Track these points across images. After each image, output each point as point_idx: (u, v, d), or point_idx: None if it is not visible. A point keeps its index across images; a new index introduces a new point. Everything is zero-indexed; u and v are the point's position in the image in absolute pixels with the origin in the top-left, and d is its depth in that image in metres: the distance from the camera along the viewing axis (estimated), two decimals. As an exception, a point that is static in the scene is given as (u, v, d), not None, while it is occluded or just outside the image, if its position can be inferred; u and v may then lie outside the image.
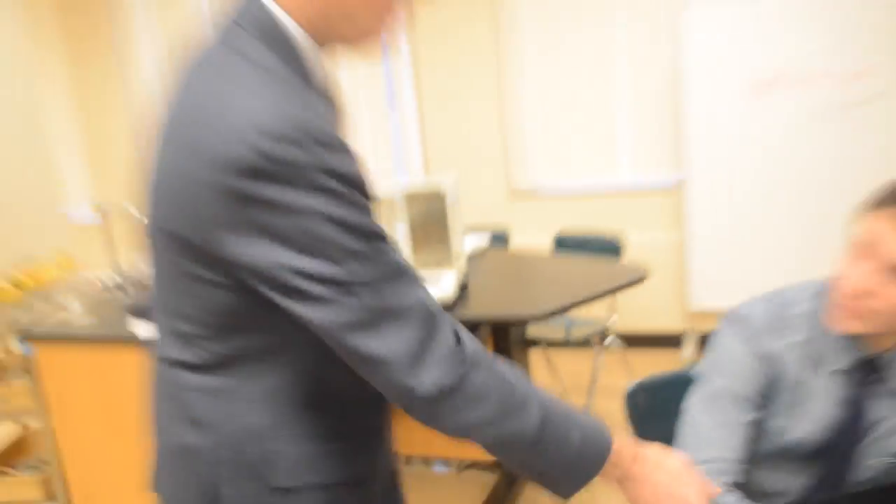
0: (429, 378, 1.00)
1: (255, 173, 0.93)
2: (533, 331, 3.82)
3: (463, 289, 3.04)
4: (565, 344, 3.82)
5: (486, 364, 1.06)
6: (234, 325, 1.09)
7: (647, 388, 1.78)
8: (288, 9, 1.04)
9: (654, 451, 1.19)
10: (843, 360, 1.40)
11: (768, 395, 1.44)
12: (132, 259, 3.12)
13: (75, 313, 2.84)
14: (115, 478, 2.70)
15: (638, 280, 3.09)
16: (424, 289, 1.04)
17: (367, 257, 0.98)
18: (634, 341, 4.70)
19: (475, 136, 4.94)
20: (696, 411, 1.44)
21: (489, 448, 1.11)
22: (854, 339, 1.39)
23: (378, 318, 0.99)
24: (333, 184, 0.95)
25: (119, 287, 3.02)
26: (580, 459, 1.13)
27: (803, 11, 3.97)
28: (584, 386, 4.23)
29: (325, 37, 1.08)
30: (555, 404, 1.12)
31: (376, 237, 1.00)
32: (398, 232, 3.08)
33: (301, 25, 1.05)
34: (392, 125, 5.16)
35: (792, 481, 1.50)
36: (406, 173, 5.20)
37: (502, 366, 1.09)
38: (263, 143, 0.92)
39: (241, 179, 0.93)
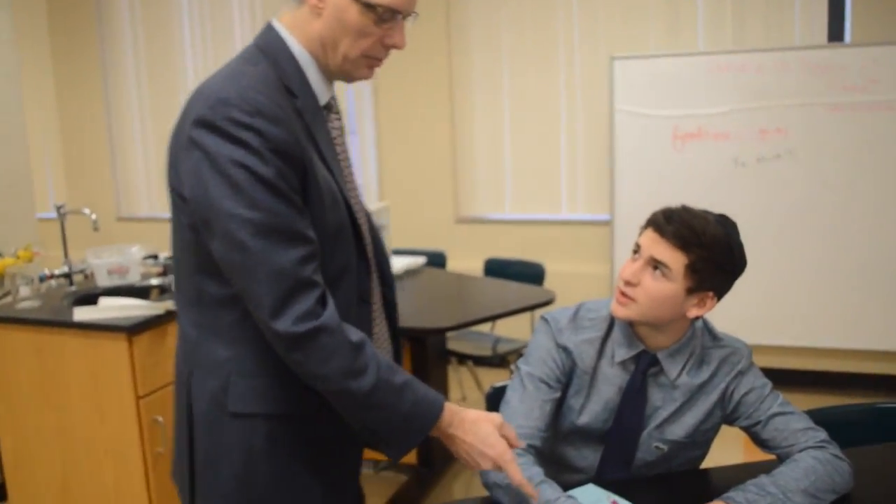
0: (284, 325, 1.16)
1: (205, 125, 1.16)
2: (461, 347, 3.85)
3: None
4: (490, 361, 3.86)
5: (337, 332, 1.20)
6: (202, 265, 1.26)
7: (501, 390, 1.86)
8: (296, 37, 1.29)
9: (471, 417, 1.30)
10: (628, 352, 1.56)
11: (566, 380, 1.59)
12: (83, 254, 3.16)
13: (22, 297, 2.87)
14: (47, 449, 2.70)
15: (547, 302, 3.15)
16: (304, 256, 1.19)
17: (270, 211, 1.16)
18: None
19: (427, 166, 5.00)
20: (509, 391, 1.60)
21: (331, 400, 1.25)
22: (637, 337, 1.56)
23: (255, 268, 1.15)
24: (258, 143, 1.15)
25: (66, 277, 3.05)
26: (407, 423, 1.25)
27: (723, 73, 4.08)
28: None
29: (326, 63, 1.31)
30: (393, 375, 1.24)
31: (283, 197, 1.17)
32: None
33: (305, 49, 1.30)
34: (352, 151, 5.23)
35: (589, 457, 1.62)
36: (362, 196, 5.25)
37: (355, 338, 1.22)
38: (217, 105, 1.16)
39: (196, 129, 1.17)
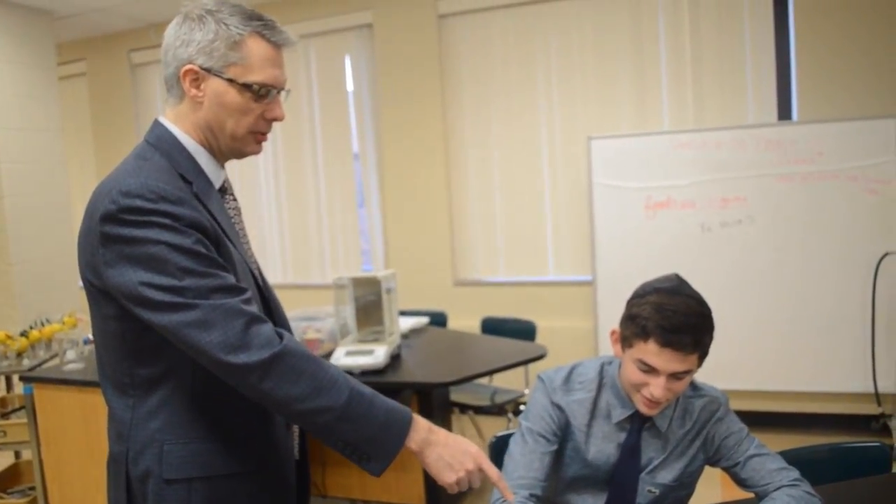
0: (247, 358, 1.13)
1: (114, 219, 1.14)
2: (462, 398, 3.85)
3: (395, 358, 3.11)
4: (490, 410, 3.85)
5: (301, 354, 1.17)
6: (131, 352, 1.23)
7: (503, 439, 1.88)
8: (182, 128, 1.29)
9: (444, 430, 1.27)
10: (623, 413, 1.58)
11: (563, 434, 1.61)
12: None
13: (68, 360, 2.88)
14: (90, 499, 2.68)
15: (539, 356, 3.17)
16: (246, 298, 1.18)
17: (198, 274, 1.14)
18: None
19: (428, 235, 5.06)
20: (512, 444, 1.62)
21: (305, 423, 1.21)
22: (629, 399, 1.57)
23: (208, 318, 1.13)
24: (169, 222, 1.14)
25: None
26: (384, 432, 1.20)
27: (689, 150, 4.18)
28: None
29: (217, 145, 1.30)
30: (361, 387, 1.22)
31: (207, 260, 1.16)
32: (347, 313, 3.16)
33: (193, 138, 1.29)
34: (361, 222, 5.30)
35: (592, 502, 1.62)
36: (371, 263, 5.29)
37: (320, 360, 1.20)
38: (120, 198, 1.14)
39: (106, 224, 1.15)
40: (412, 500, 3.26)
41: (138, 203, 1.13)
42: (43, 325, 3.40)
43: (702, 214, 4.19)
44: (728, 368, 4.07)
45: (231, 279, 1.18)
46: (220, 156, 1.33)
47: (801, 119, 4.15)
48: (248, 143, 1.32)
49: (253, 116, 1.28)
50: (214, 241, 1.21)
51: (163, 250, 1.13)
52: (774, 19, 4.23)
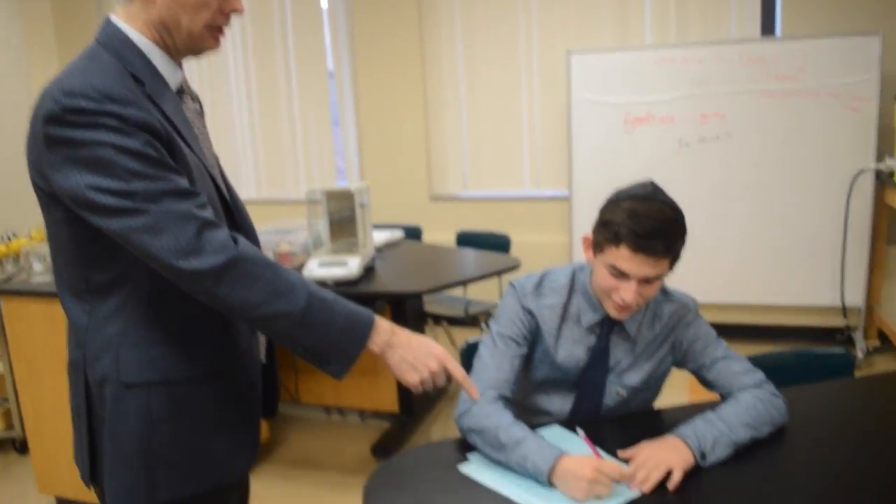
0: (203, 261, 1.08)
1: (57, 120, 1.06)
2: (436, 309, 3.86)
3: (369, 270, 3.08)
4: (463, 321, 3.86)
5: (256, 259, 1.13)
6: (84, 256, 1.17)
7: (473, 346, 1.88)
8: (135, 26, 1.19)
9: (407, 330, 1.25)
10: (593, 317, 1.57)
11: (533, 338, 1.60)
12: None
13: (36, 272, 2.82)
14: (62, 407, 2.67)
15: (513, 268, 3.16)
16: (200, 203, 1.12)
17: (147, 176, 1.08)
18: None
19: (404, 151, 4.98)
20: (482, 348, 1.60)
21: (263, 328, 1.18)
22: (600, 303, 1.56)
23: (157, 222, 1.07)
24: (116, 123, 1.06)
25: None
26: (344, 336, 1.18)
27: (670, 65, 4.09)
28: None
29: (174, 48, 1.22)
30: (322, 292, 1.18)
31: (157, 163, 1.09)
32: (321, 226, 3.10)
33: (147, 36, 1.20)
34: (336, 139, 5.18)
35: (560, 403, 1.64)
36: (346, 179, 5.21)
37: (277, 265, 1.15)
38: (62, 98, 1.06)
39: (49, 126, 1.07)
40: (385, 406, 3.30)
41: (82, 103, 1.05)
42: (10, 238, 3.31)
43: (680, 130, 4.13)
44: (702, 281, 4.09)
45: (183, 183, 1.12)
46: (177, 54, 1.24)
47: (785, 34, 4.06)
48: (205, 39, 1.23)
49: (209, 11, 1.19)
50: (167, 144, 1.13)
51: (109, 152, 1.06)
52: (761, -73, 4.08)
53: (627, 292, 1.44)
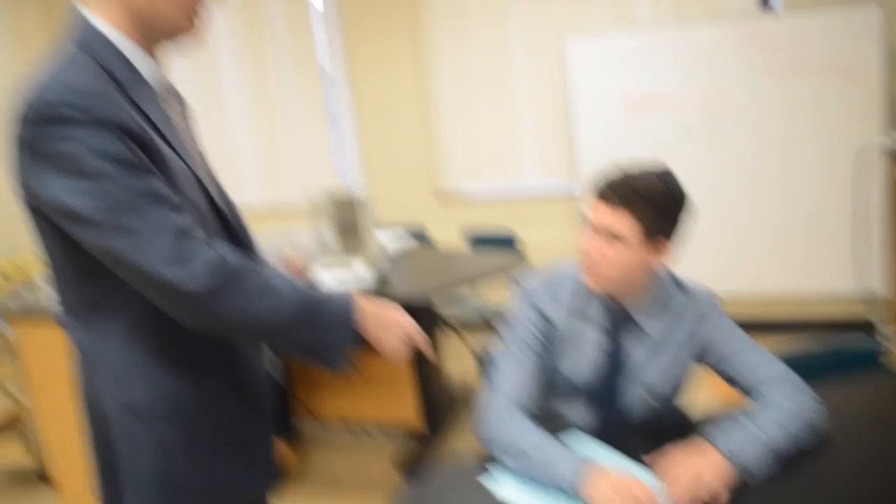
0: (191, 278, 1.04)
1: (28, 121, 1.02)
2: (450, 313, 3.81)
3: (382, 278, 3.01)
4: (477, 325, 3.81)
5: (253, 272, 1.10)
6: (79, 271, 1.12)
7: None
8: (110, 21, 1.13)
9: (380, 302, 1.26)
10: (603, 315, 1.54)
11: (546, 342, 1.56)
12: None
13: (53, 298, 2.79)
14: (81, 439, 2.65)
15: (520, 267, 3.12)
16: (179, 212, 1.07)
17: (119, 180, 1.02)
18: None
19: (405, 150, 4.92)
20: (499, 356, 1.57)
21: (267, 338, 1.18)
22: (611, 298, 1.52)
23: (133, 231, 1.02)
24: (89, 123, 1.01)
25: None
26: (338, 324, 1.18)
27: (668, 47, 4.01)
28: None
29: (151, 37, 1.16)
30: (309, 290, 1.16)
31: (131, 165, 1.04)
32: (327, 229, 3.07)
33: (122, 31, 1.14)
34: (333, 142, 5.11)
35: (582, 412, 1.59)
36: (348, 182, 5.15)
37: (269, 273, 1.13)
38: (34, 100, 1.02)
39: (21, 128, 1.03)
40: (405, 416, 3.24)
41: (55, 104, 1.01)
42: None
43: (683, 113, 4.05)
44: (706, 269, 4.03)
45: (159, 186, 1.06)
46: (153, 42, 1.18)
47: (786, 6, 3.96)
48: (181, 21, 1.17)
49: None
50: (143, 145, 1.08)
51: (82, 154, 1.01)
52: None
53: (584, 240, 1.46)
